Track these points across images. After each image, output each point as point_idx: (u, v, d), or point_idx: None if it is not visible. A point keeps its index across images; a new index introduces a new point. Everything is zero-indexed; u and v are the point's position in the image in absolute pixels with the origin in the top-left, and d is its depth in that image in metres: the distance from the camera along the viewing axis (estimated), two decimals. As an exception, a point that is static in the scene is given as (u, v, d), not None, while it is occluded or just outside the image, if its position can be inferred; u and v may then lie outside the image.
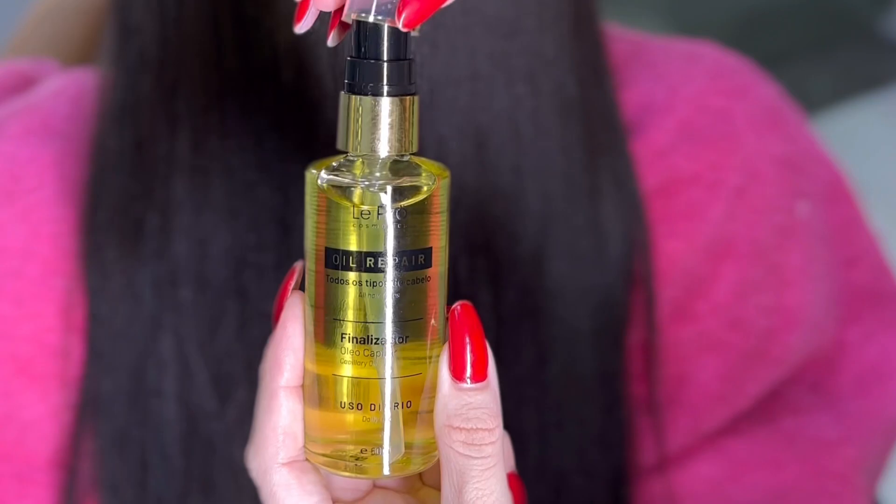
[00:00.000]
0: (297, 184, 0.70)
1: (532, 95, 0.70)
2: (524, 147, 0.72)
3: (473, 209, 0.72)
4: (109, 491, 0.74)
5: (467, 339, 0.52)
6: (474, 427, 0.51)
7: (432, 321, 0.53)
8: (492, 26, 0.70)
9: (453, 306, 0.53)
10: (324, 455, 0.54)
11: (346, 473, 0.54)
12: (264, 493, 0.55)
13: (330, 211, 0.53)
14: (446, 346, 0.52)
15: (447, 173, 0.54)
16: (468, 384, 0.52)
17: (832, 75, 2.45)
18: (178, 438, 0.73)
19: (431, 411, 0.53)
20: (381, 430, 0.53)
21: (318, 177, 0.53)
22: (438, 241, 0.54)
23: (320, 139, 0.70)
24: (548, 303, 0.73)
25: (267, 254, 0.71)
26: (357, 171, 0.53)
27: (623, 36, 0.82)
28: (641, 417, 0.78)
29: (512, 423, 0.74)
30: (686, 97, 0.79)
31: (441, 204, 0.54)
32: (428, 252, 0.53)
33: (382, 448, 0.54)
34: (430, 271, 0.53)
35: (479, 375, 0.52)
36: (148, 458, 0.73)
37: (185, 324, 0.72)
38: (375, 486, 0.58)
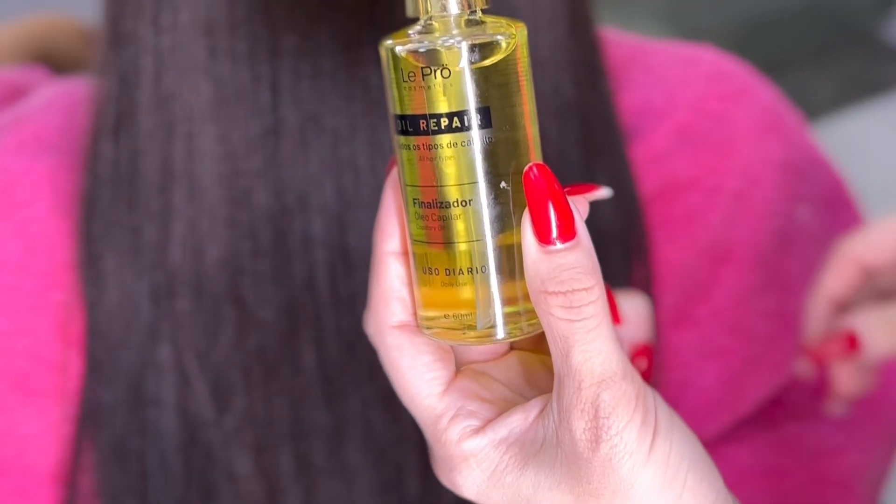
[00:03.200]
0: (292, 190, 0.70)
1: None
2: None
3: None
4: (110, 501, 0.74)
5: (549, 200, 0.49)
6: (570, 289, 0.48)
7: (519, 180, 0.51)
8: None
9: (527, 168, 0.50)
10: (434, 326, 0.53)
11: (459, 341, 0.53)
12: (381, 356, 0.54)
13: (405, 77, 0.51)
14: (526, 211, 0.49)
15: (523, 26, 0.52)
16: (557, 245, 0.49)
17: (833, 81, 2.44)
18: (178, 448, 0.72)
19: None
20: (478, 295, 0.52)
21: (395, 47, 0.51)
22: (525, 97, 0.51)
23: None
24: None
25: (263, 261, 0.71)
26: (431, 34, 0.51)
27: (622, 40, 0.82)
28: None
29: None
30: (685, 101, 0.79)
31: (523, 58, 0.52)
32: (512, 109, 0.51)
33: (482, 315, 0.52)
34: (516, 130, 0.51)
35: (566, 234, 0.49)
36: (147, 468, 0.73)
37: (182, 333, 0.72)
38: (512, 348, 0.56)
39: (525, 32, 0.52)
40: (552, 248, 0.49)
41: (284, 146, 0.70)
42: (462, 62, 0.50)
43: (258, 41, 0.69)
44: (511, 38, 0.51)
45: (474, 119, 0.50)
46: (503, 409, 0.53)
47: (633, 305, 0.54)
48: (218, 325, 0.71)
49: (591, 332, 0.48)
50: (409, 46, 0.51)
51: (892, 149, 2.43)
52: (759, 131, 0.80)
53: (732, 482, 0.79)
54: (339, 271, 0.71)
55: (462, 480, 0.53)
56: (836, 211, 0.85)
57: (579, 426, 0.49)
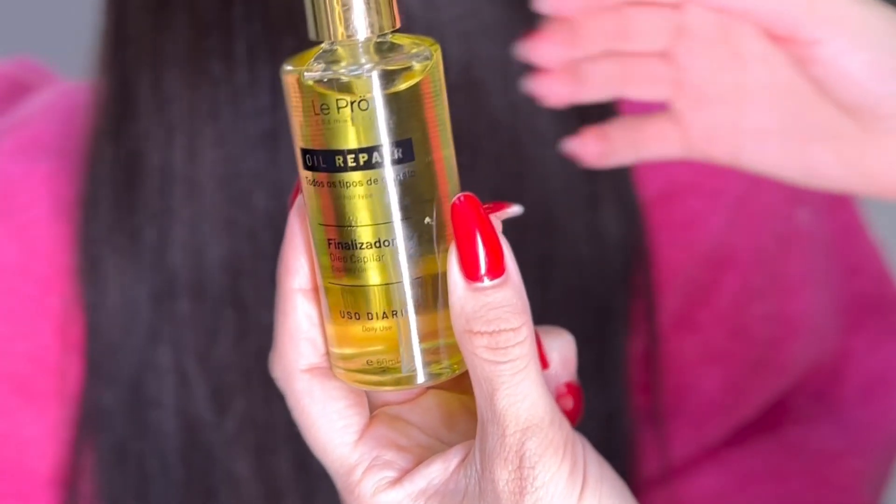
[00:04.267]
0: (290, 191, 0.70)
1: (529, 102, 0.70)
2: (522, 154, 0.72)
3: None
4: (110, 504, 0.74)
5: (476, 233, 0.45)
6: (497, 329, 0.45)
7: (434, 215, 0.47)
8: (488, 33, 0.70)
9: (454, 199, 0.46)
10: (349, 368, 0.49)
11: (376, 388, 0.49)
12: (289, 402, 0.51)
13: (313, 110, 0.46)
14: (453, 245, 0.46)
15: (437, 47, 0.47)
16: (485, 282, 0.45)
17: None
18: (178, 450, 0.72)
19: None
20: (398, 338, 0.48)
21: (300, 74, 0.46)
22: (444, 122, 0.47)
23: None
24: (547, 310, 0.73)
25: (263, 262, 0.71)
26: (338, 61, 0.46)
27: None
28: (644, 428, 0.77)
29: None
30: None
31: (438, 80, 0.47)
32: (431, 139, 0.47)
33: (402, 358, 0.48)
34: (436, 159, 0.47)
35: (495, 270, 0.45)
36: (148, 471, 0.73)
37: (182, 335, 0.71)
38: (428, 388, 0.52)
39: (439, 51, 0.48)
40: (479, 285, 0.45)
41: (283, 147, 0.70)
42: (374, 91, 0.46)
43: (257, 42, 0.69)
44: (426, 60, 0.47)
45: (388, 154, 0.46)
46: (421, 457, 0.50)
47: (559, 344, 0.51)
48: (218, 327, 0.71)
49: (517, 375, 0.45)
50: (315, 75, 0.46)
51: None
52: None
53: (734, 486, 0.79)
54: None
55: None
56: (837, 213, 0.85)
57: (503, 476, 0.46)
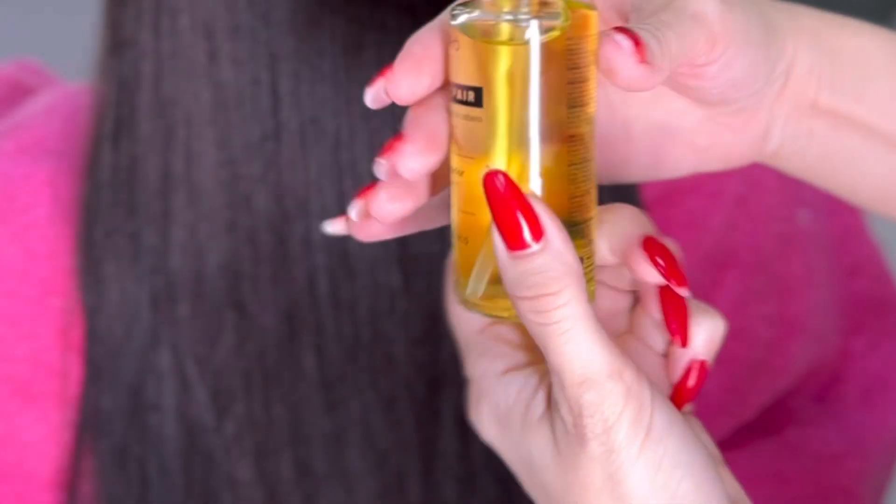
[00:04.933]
0: (293, 194, 0.70)
1: None
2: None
3: None
4: (110, 508, 0.74)
5: (513, 206, 0.47)
6: (537, 294, 0.47)
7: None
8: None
9: (489, 173, 0.48)
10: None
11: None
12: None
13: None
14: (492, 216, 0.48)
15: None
16: (524, 250, 0.47)
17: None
18: (178, 453, 0.72)
19: None
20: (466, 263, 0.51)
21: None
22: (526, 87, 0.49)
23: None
24: None
25: (263, 265, 0.71)
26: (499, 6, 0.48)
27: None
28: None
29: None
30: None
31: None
32: (494, 91, 0.49)
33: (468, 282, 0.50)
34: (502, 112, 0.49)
35: (535, 237, 0.47)
36: (148, 474, 0.73)
37: (183, 338, 0.71)
38: None
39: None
40: (518, 252, 0.47)
41: (284, 150, 0.70)
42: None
43: (258, 45, 0.69)
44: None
45: (459, 94, 0.49)
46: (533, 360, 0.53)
47: (709, 325, 0.53)
48: (218, 330, 0.71)
49: (563, 336, 0.47)
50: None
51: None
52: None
53: (734, 488, 0.79)
54: (340, 276, 0.71)
55: (479, 418, 0.52)
56: (837, 214, 0.85)
57: (568, 420, 0.49)
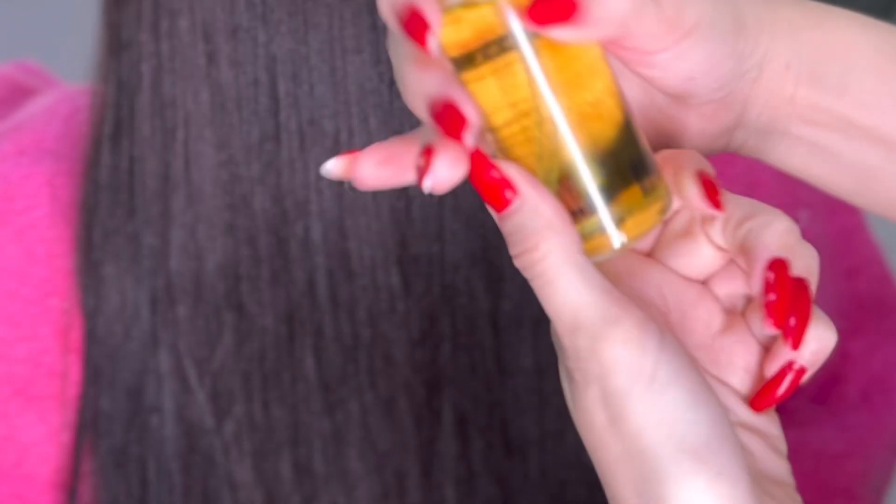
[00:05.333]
0: (292, 195, 0.70)
1: None
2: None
3: (471, 217, 0.71)
4: (110, 510, 0.74)
5: (489, 171, 0.49)
6: (519, 251, 0.49)
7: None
8: None
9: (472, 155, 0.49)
10: None
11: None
12: None
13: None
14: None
15: None
16: (502, 213, 0.49)
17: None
18: (178, 455, 0.72)
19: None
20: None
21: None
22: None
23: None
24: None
25: (262, 267, 0.71)
26: None
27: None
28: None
29: (512, 432, 0.74)
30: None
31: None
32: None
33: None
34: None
35: (501, 205, 0.49)
36: (147, 476, 0.73)
37: (182, 340, 0.71)
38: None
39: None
40: (499, 215, 0.50)
41: (283, 152, 0.70)
42: None
43: (257, 46, 0.69)
44: None
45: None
46: None
47: (819, 333, 0.53)
48: (217, 331, 0.71)
49: (547, 288, 0.48)
50: None
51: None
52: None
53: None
54: (339, 277, 0.71)
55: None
56: (837, 215, 0.85)
57: (570, 367, 0.49)
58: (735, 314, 0.54)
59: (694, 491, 0.47)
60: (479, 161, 0.49)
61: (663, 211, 0.52)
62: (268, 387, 0.72)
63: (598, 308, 0.48)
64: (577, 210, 0.50)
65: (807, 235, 0.81)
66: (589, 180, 0.50)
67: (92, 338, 0.72)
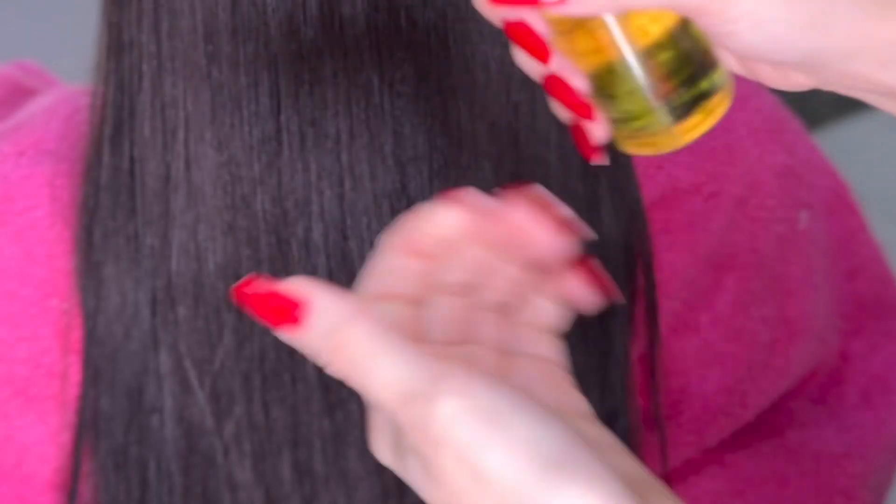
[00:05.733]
0: (293, 196, 0.70)
1: (530, 103, 0.70)
2: (522, 155, 0.72)
3: None
4: (110, 510, 0.74)
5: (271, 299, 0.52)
6: (328, 359, 0.51)
7: None
8: (491, 34, 0.70)
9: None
10: None
11: None
12: None
13: None
14: None
15: None
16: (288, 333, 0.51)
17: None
18: (178, 455, 0.72)
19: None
20: None
21: None
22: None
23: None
24: None
25: (263, 267, 0.71)
26: None
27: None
28: (644, 430, 0.77)
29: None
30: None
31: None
32: None
33: None
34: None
35: (295, 322, 0.51)
36: (147, 477, 0.73)
37: (182, 340, 0.71)
38: None
39: None
40: (286, 336, 0.51)
41: (284, 152, 0.70)
42: None
43: (258, 46, 0.69)
44: None
45: None
46: None
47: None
48: (218, 332, 0.71)
49: (367, 375, 0.50)
50: None
51: (892, 151, 2.43)
52: (760, 137, 0.80)
53: (733, 489, 0.79)
54: (340, 278, 0.71)
55: None
56: (838, 217, 0.85)
57: (415, 439, 0.50)
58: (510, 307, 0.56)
59: (572, 499, 0.47)
60: (258, 292, 0.50)
61: (725, 104, 0.54)
62: (268, 387, 0.72)
63: (423, 371, 0.49)
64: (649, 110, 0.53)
65: (808, 236, 0.81)
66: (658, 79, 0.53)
67: (92, 338, 0.72)
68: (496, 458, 0.47)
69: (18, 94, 0.85)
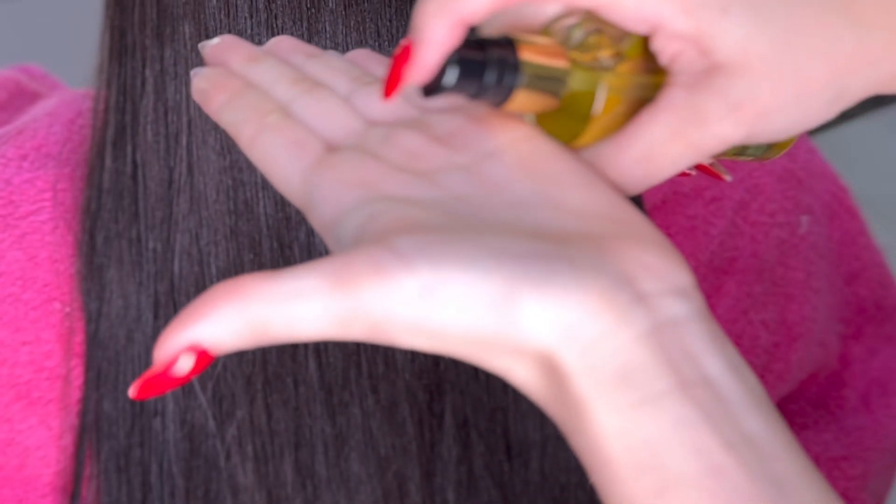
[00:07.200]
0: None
1: None
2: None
3: None
4: (112, 513, 0.74)
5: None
6: None
7: None
8: None
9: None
10: None
11: None
12: None
13: None
14: None
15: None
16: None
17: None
18: (180, 458, 0.72)
19: None
20: None
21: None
22: None
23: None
24: None
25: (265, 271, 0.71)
26: None
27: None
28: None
29: (513, 436, 0.74)
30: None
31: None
32: None
33: None
34: None
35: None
36: (149, 479, 0.73)
37: (184, 343, 0.71)
38: None
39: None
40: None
41: None
42: None
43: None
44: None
45: None
46: None
47: None
48: (220, 335, 0.71)
49: None
50: None
51: (893, 155, 2.43)
52: (761, 141, 0.80)
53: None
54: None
55: None
56: (838, 220, 0.85)
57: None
58: None
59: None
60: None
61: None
62: (270, 390, 0.72)
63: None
64: None
65: (808, 240, 0.82)
66: None
67: (94, 341, 0.72)
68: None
69: (21, 97, 0.85)
